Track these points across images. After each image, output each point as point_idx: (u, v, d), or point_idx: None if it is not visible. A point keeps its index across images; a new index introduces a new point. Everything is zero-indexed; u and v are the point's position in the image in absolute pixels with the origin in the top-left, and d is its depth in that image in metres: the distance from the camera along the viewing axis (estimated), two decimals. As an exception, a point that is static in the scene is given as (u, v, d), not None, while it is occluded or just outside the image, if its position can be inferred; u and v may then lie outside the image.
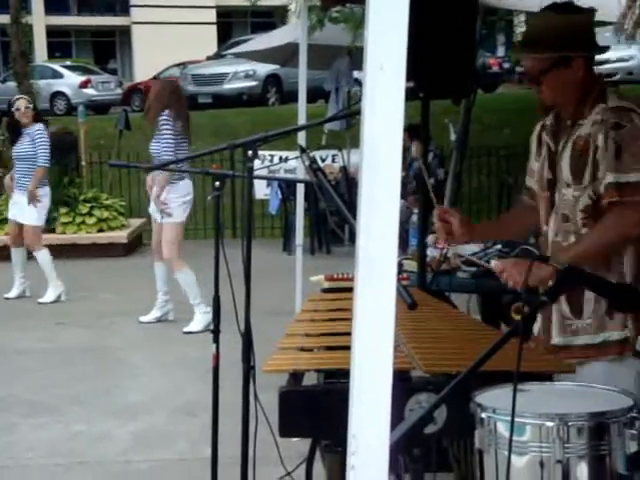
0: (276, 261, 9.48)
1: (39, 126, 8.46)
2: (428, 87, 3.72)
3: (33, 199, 8.32)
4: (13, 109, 8.50)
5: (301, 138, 4.70)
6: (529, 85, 2.97)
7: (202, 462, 4.49)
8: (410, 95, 3.48)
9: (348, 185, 10.44)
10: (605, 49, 3.12)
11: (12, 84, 17.18)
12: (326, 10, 10.33)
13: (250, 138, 3.09)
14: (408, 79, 3.76)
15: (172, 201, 7.11)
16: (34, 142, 8.36)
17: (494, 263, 2.92)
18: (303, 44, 5.19)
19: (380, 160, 1.13)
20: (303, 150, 2.76)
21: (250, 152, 3.07)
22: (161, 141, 7.02)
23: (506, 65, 24.76)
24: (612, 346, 2.86)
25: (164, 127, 7.03)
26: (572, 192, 2.88)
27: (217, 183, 3.49)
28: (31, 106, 8.53)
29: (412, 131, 10.37)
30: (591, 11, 3.00)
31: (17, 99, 8.69)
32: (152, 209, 7.35)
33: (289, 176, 9.61)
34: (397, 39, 1.11)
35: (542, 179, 3.04)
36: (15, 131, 8.57)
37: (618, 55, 18.94)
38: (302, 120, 5.03)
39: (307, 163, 2.71)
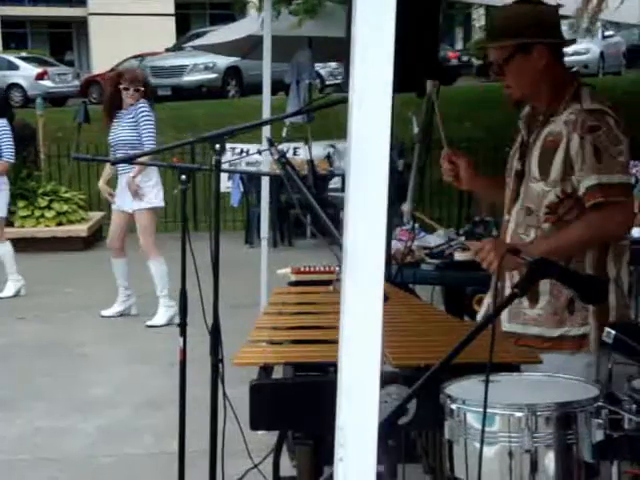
0: (238, 254, 9.47)
1: (3, 121, 8.35)
2: (395, 81, 3.74)
3: None
4: None
5: (266, 131, 4.71)
6: (496, 78, 2.99)
7: (168, 456, 4.49)
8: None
9: (314, 178, 10.46)
10: (572, 41, 3.16)
11: (-33, 75, 16.98)
12: (290, 2, 10.32)
13: (218, 131, 3.09)
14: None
15: (145, 186, 7.10)
16: None
17: (470, 243, 2.92)
18: (267, 36, 5.18)
19: (368, 157, 1.14)
20: (271, 143, 2.77)
21: (218, 146, 3.07)
22: (142, 130, 6.99)
23: (464, 58, 24.93)
24: (569, 341, 2.90)
25: (147, 116, 7.02)
26: (542, 186, 2.90)
27: (183, 176, 3.49)
28: None
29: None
30: (556, 5, 3.04)
31: None
32: (118, 201, 7.26)
33: (251, 169, 9.60)
34: (384, 31, 1.13)
35: (511, 168, 3.07)
36: None
37: (574, 49, 19.17)
38: (266, 113, 5.03)
39: (276, 156, 2.72)
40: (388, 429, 2.00)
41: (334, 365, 2.65)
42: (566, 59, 3.04)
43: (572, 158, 2.83)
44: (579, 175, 2.81)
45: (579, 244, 2.86)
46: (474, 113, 15.67)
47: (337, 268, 3.16)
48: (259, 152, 4.74)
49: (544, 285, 2.90)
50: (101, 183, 7.31)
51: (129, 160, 5.36)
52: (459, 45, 30.35)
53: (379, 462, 2.51)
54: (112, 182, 7.39)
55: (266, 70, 5.07)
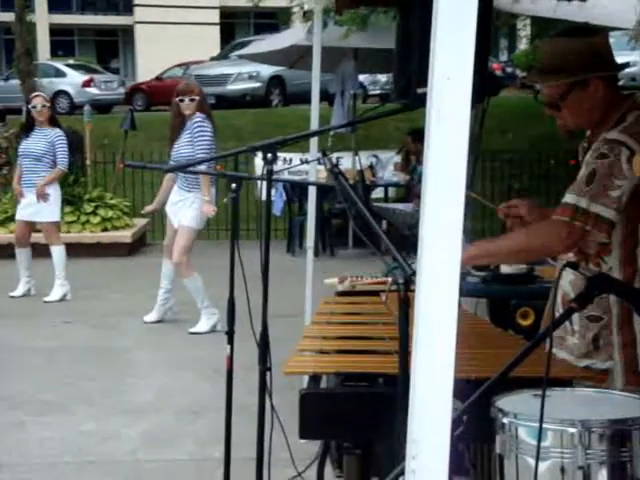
0: (280, 263, 9.47)
1: (59, 131, 8.50)
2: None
3: (43, 196, 8.36)
4: (30, 106, 8.52)
5: (314, 141, 4.72)
6: (549, 112, 2.93)
7: (211, 462, 4.52)
8: (423, 102, 3.48)
9: (364, 188, 10.47)
10: (625, 66, 3.11)
11: (15, 82, 17.20)
12: (341, 13, 10.32)
13: (269, 141, 3.11)
14: (421, 84, 3.76)
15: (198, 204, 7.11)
16: (53, 144, 8.37)
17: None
18: (317, 47, 5.20)
19: (446, 169, 1.15)
20: (324, 153, 2.78)
21: (270, 155, 3.08)
22: (196, 144, 6.98)
23: (509, 69, 24.81)
24: (594, 373, 2.86)
25: (201, 130, 7.02)
26: None
27: (233, 185, 3.51)
28: (48, 105, 8.54)
29: (416, 135, 10.42)
30: (606, 32, 2.99)
31: (35, 96, 8.68)
32: (170, 212, 7.31)
33: (296, 178, 9.63)
34: (464, 48, 1.13)
35: None
36: (28, 128, 8.59)
37: (621, 61, 18.97)
38: (315, 123, 5.04)
39: (328, 166, 2.73)
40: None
41: (382, 376, 2.68)
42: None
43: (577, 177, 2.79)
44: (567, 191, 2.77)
45: (516, 253, 2.84)
46: (517, 125, 15.59)
47: (389, 279, 3.16)
48: (306, 162, 4.76)
49: (576, 318, 2.88)
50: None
51: (181, 168, 5.40)
52: (504, 56, 30.21)
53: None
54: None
55: (315, 81, 5.08)
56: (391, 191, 12.08)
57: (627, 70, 20.58)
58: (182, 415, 5.46)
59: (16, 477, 4.59)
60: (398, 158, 11.80)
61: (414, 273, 2.36)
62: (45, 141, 8.41)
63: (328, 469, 3.43)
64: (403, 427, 1.65)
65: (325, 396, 2.56)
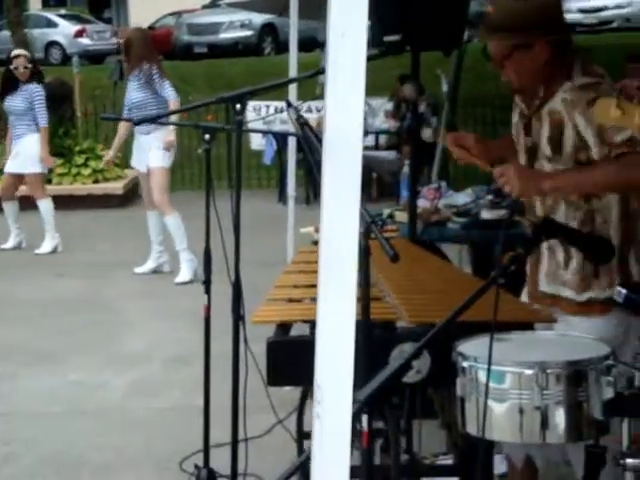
0: (271, 212, 9.51)
1: (36, 86, 8.51)
2: (417, 39, 3.72)
3: (49, 162, 8.76)
4: (12, 67, 8.51)
5: (293, 90, 4.71)
6: (495, 67, 2.93)
7: (196, 410, 4.57)
8: (396, 48, 3.49)
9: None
10: (571, 27, 3.08)
11: (6, 33, 17.07)
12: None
13: (238, 91, 3.12)
14: (396, 31, 3.74)
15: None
16: (32, 101, 8.42)
17: (495, 170, 2.87)
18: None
19: (342, 131, 1.16)
20: (289, 104, 2.79)
21: (238, 106, 3.09)
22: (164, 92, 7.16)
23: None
24: (597, 305, 2.88)
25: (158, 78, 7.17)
26: (552, 167, 2.86)
27: (207, 136, 3.53)
28: (30, 66, 8.51)
29: (403, 81, 10.34)
30: None
31: (15, 56, 8.64)
32: (135, 160, 7.51)
33: (277, 129, 9.61)
34: (358, 5, 1.14)
35: (519, 142, 3.02)
36: (11, 85, 8.59)
37: (615, 2, 18.62)
38: (293, 71, 5.03)
39: (294, 117, 2.74)
40: (392, 386, 2.03)
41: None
42: (607, 13, 2.99)
43: (583, 135, 2.77)
44: (610, 134, 2.74)
45: (602, 186, 2.80)
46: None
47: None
48: (281, 111, 4.75)
49: (574, 252, 2.89)
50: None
51: (153, 120, 5.41)
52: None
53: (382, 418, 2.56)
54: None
55: (293, 28, 5.06)
56: (382, 138, 12.03)
57: (623, 10, 20.29)
58: (170, 364, 5.53)
59: (5, 427, 4.67)
60: (390, 105, 11.74)
61: (374, 221, 2.39)
62: (23, 98, 8.48)
63: (307, 416, 3.48)
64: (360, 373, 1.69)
65: (291, 343, 2.60)
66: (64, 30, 24.53)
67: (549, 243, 2.88)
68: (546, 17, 2.84)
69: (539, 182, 2.79)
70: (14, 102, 8.50)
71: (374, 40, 3.90)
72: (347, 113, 1.16)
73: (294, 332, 2.89)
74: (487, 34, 2.93)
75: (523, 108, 3.00)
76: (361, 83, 1.19)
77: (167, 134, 7.20)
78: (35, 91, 8.49)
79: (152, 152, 7.28)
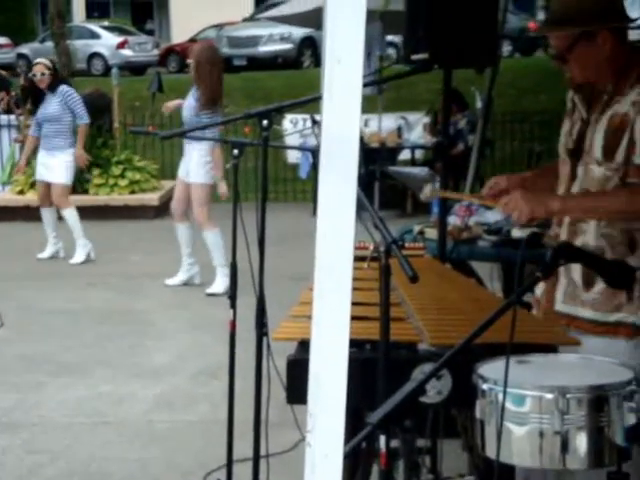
0: (305, 225, 9.49)
1: (65, 87, 8.57)
2: (448, 57, 3.69)
3: (82, 160, 8.71)
4: (30, 75, 8.59)
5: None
6: (556, 64, 2.91)
7: (221, 424, 4.56)
8: (423, 66, 3.46)
9: (364, 152, 10.47)
10: (636, 19, 3.06)
11: (50, 45, 17.28)
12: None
13: (265, 108, 3.12)
14: (424, 49, 3.70)
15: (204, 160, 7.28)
16: (66, 102, 8.45)
17: (499, 201, 2.82)
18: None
19: (336, 153, 1.15)
20: (314, 121, 2.78)
21: (265, 121, 3.09)
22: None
23: (545, 29, 24.40)
24: (626, 327, 2.82)
25: None
26: (603, 171, 2.80)
27: (235, 151, 3.52)
28: (47, 72, 8.51)
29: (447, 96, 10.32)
30: None
31: (35, 64, 8.72)
32: (181, 169, 7.45)
33: (313, 142, 9.60)
34: (354, 33, 1.13)
35: (567, 145, 2.97)
36: (36, 95, 8.67)
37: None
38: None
39: (317, 133, 2.73)
40: (406, 408, 2.01)
41: (371, 342, 2.69)
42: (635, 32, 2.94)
43: (636, 139, 2.72)
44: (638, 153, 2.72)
45: (615, 214, 2.77)
46: (551, 85, 15.38)
47: (371, 245, 3.15)
48: (319, 123, 4.72)
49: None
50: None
51: (182, 134, 5.42)
52: (541, 15, 29.76)
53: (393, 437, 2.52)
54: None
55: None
56: (418, 153, 11.99)
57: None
58: (198, 377, 5.53)
59: (32, 437, 4.69)
60: (427, 119, 11.70)
61: (395, 241, 2.37)
62: (58, 101, 8.49)
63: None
64: (384, 393, 1.66)
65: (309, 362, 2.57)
66: (107, 42, 24.83)
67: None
68: (607, 6, 2.82)
69: (548, 202, 2.78)
70: (48, 110, 8.50)
71: (404, 57, 3.89)
72: (345, 130, 1.14)
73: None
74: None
75: (583, 113, 2.93)
76: (357, 110, 1.17)
77: (209, 147, 7.17)
78: (67, 91, 8.53)
79: (192, 167, 7.26)
